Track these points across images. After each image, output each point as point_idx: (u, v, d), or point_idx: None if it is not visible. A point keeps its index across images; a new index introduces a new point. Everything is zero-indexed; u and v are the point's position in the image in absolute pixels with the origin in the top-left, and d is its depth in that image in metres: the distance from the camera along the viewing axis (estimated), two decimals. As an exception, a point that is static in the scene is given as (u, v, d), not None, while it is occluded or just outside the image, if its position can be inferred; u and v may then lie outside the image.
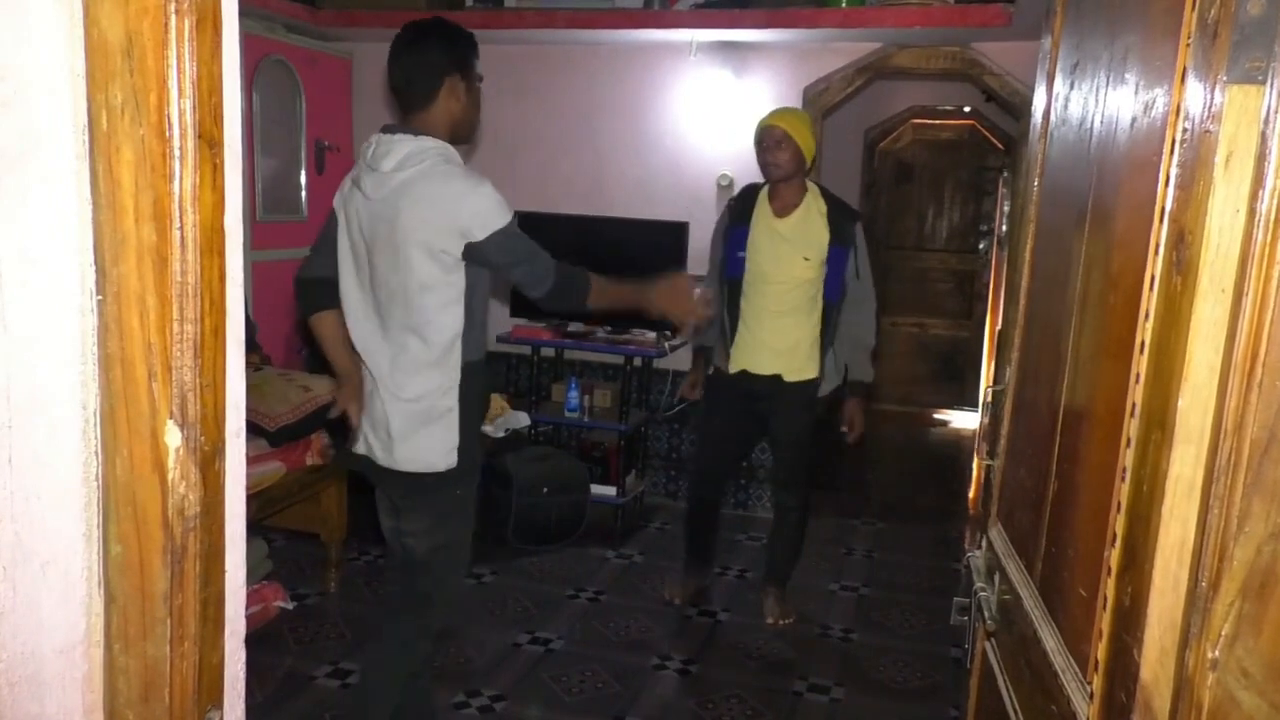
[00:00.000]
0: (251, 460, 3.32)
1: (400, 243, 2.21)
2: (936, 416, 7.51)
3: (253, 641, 3.66)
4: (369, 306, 2.32)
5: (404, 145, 2.23)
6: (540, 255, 2.30)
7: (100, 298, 0.91)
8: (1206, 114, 0.82)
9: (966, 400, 7.48)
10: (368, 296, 2.32)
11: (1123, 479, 0.92)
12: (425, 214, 2.19)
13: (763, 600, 3.83)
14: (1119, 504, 0.93)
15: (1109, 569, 0.93)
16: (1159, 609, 0.83)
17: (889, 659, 3.56)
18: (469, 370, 2.31)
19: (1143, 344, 0.91)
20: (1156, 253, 0.90)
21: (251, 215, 4.74)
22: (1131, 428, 0.92)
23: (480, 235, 2.19)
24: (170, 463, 0.94)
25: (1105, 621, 0.93)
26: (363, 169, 2.30)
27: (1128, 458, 0.92)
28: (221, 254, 0.96)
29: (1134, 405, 0.92)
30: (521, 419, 4.63)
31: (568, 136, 5.05)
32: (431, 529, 2.37)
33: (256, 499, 3.34)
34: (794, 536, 3.78)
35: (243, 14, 4.05)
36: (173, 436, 0.93)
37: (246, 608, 3.63)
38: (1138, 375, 0.91)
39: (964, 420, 7.37)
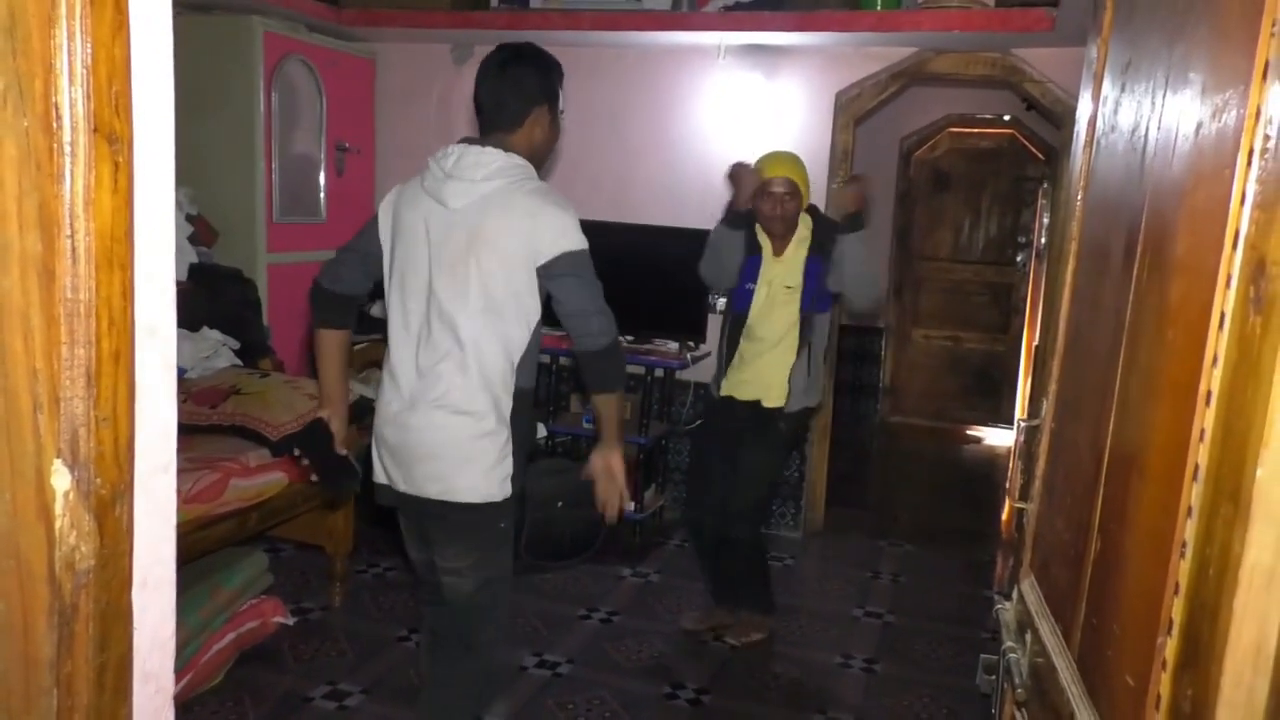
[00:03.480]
0: (254, 470, 3.22)
1: (483, 253, 2.16)
2: (970, 433, 7.29)
3: (250, 659, 3.50)
4: (424, 319, 2.21)
5: (495, 158, 2.19)
6: (605, 307, 2.23)
7: (-29, 317, 0.78)
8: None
9: (1001, 417, 7.24)
10: (425, 308, 2.21)
11: (1182, 555, 0.77)
12: (516, 225, 2.15)
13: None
14: (1177, 585, 0.77)
15: (1164, 662, 0.78)
16: (1228, 724, 0.68)
17: (913, 693, 3.38)
18: (521, 396, 2.25)
19: (1209, 394, 0.76)
20: (1228, 285, 0.74)
21: (268, 216, 4.65)
22: (1194, 494, 0.76)
23: (555, 252, 2.15)
24: (57, 509, 0.81)
25: (1158, 726, 0.77)
26: (440, 177, 2.21)
27: (1189, 530, 0.76)
28: (125, 267, 0.82)
29: (1197, 467, 0.76)
30: (538, 430, 4.49)
31: (593, 141, 4.91)
32: (479, 563, 2.28)
33: (258, 510, 3.24)
34: (752, 568, 3.64)
35: (264, 12, 3.86)
36: (60, 479, 0.80)
37: (243, 624, 3.45)
38: (1202, 432, 0.76)
39: (998, 438, 7.13)
